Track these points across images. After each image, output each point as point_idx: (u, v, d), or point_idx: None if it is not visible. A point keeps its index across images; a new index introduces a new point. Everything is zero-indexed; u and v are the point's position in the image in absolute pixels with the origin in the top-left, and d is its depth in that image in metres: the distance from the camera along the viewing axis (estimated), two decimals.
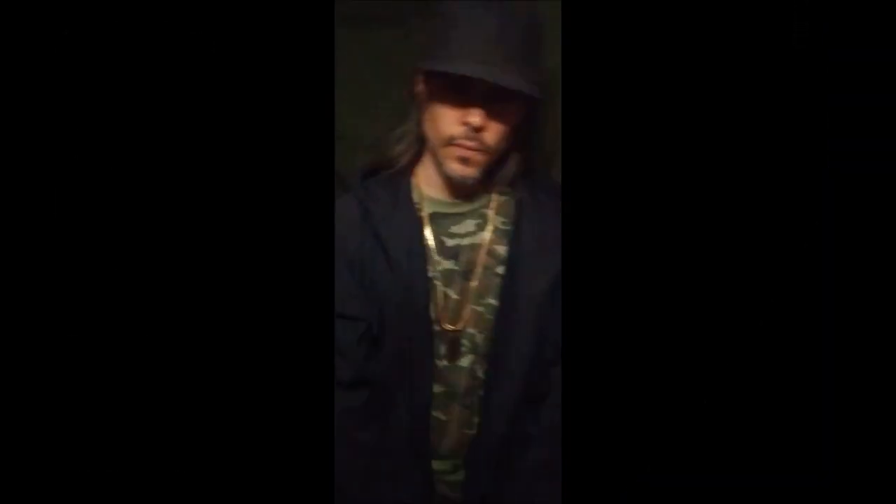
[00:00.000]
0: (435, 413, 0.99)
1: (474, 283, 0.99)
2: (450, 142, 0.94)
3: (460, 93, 0.92)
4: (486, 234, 1.01)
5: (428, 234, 1.00)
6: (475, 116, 0.91)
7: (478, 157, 0.95)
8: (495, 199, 1.02)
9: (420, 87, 0.97)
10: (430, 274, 0.99)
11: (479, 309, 0.99)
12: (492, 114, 0.92)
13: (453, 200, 1.01)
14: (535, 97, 0.91)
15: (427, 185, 1.02)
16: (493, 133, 0.94)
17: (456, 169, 0.95)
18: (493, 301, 0.99)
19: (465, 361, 0.99)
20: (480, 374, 0.99)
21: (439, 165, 0.98)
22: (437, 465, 1.01)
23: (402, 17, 1.37)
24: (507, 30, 0.89)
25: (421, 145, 1.01)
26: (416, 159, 1.02)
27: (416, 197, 1.02)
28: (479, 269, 0.99)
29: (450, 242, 1.00)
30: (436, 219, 1.01)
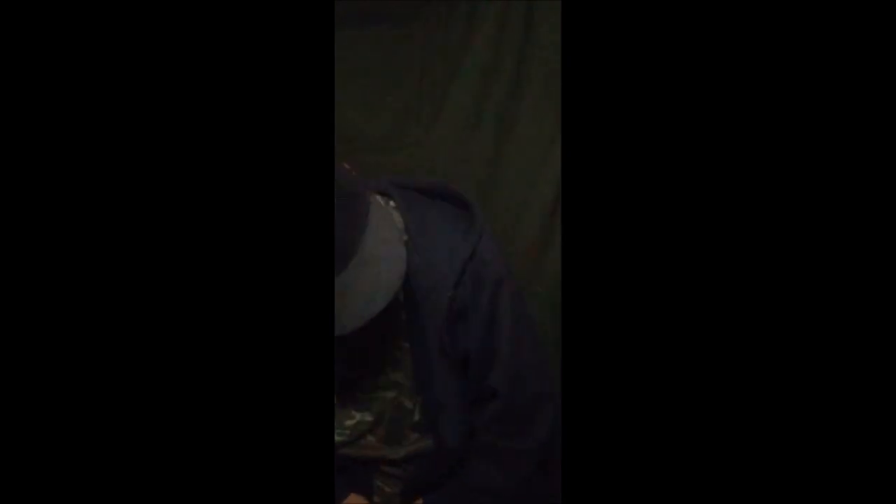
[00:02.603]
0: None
1: None
2: None
3: None
4: None
5: None
6: None
7: None
8: None
9: None
10: None
11: (397, 352, 1.00)
12: None
13: None
14: None
15: None
16: None
17: None
18: (405, 344, 1.00)
19: (387, 395, 1.02)
20: (408, 404, 1.02)
21: None
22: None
23: (402, 17, 1.37)
24: None
25: None
26: None
27: None
28: None
29: None
30: None
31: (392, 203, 1.01)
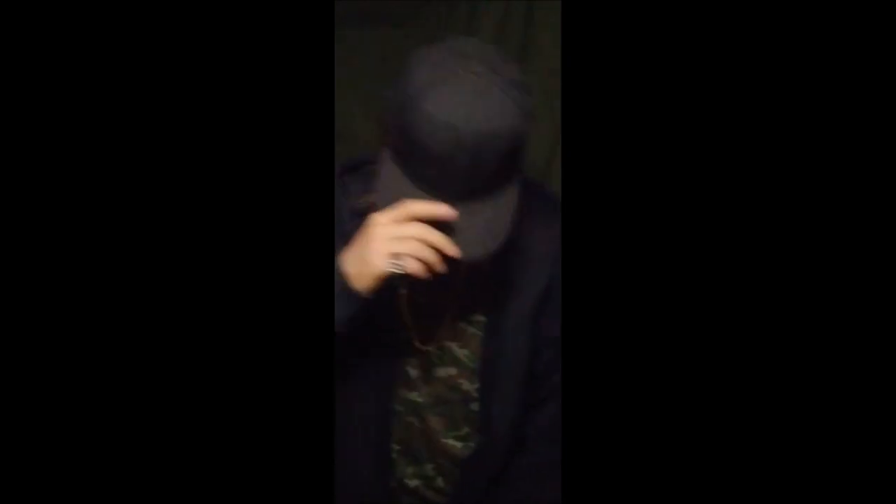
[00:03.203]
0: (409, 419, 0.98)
1: (442, 418, 0.97)
2: None
3: None
4: (448, 369, 0.97)
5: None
6: None
7: None
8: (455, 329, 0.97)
9: None
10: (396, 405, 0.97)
11: (465, 325, 0.96)
12: None
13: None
14: None
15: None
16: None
17: None
18: (480, 317, 0.96)
19: (442, 373, 0.97)
20: (467, 387, 0.97)
21: None
22: (412, 469, 1.00)
23: (402, 17, 1.37)
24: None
25: None
26: None
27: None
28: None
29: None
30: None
31: None
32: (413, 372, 0.96)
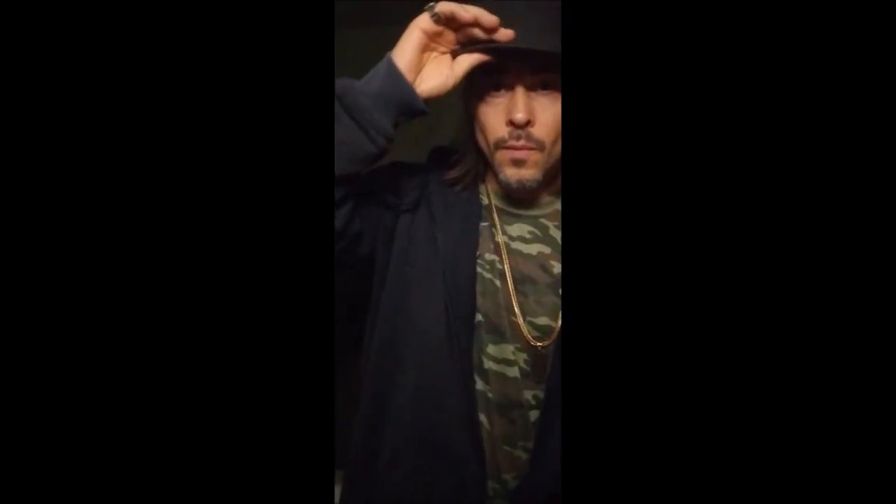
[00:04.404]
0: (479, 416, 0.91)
1: (526, 298, 0.93)
2: (499, 146, 0.89)
3: (502, 86, 0.87)
4: (541, 246, 0.94)
5: (484, 224, 0.95)
6: (518, 112, 0.86)
7: (532, 156, 0.89)
8: (555, 207, 0.96)
9: (469, 95, 0.92)
10: (479, 265, 0.93)
11: (530, 330, 0.93)
12: (538, 106, 0.87)
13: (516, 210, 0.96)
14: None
15: (494, 193, 0.98)
16: (543, 127, 0.88)
17: (510, 174, 0.89)
18: (551, 323, 0.93)
19: (513, 373, 0.93)
20: (539, 394, 0.92)
21: (497, 176, 0.92)
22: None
23: (402, 17, 1.37)
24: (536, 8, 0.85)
25: (480, 162, 0.96)
26: (477, 178, 0.98)
27: (483, 197, 0.97)
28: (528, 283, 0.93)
29: (498, 238, 0.95)
30: (497, 213, 0.96)
31: None
32: (487, 364, 0.93)
